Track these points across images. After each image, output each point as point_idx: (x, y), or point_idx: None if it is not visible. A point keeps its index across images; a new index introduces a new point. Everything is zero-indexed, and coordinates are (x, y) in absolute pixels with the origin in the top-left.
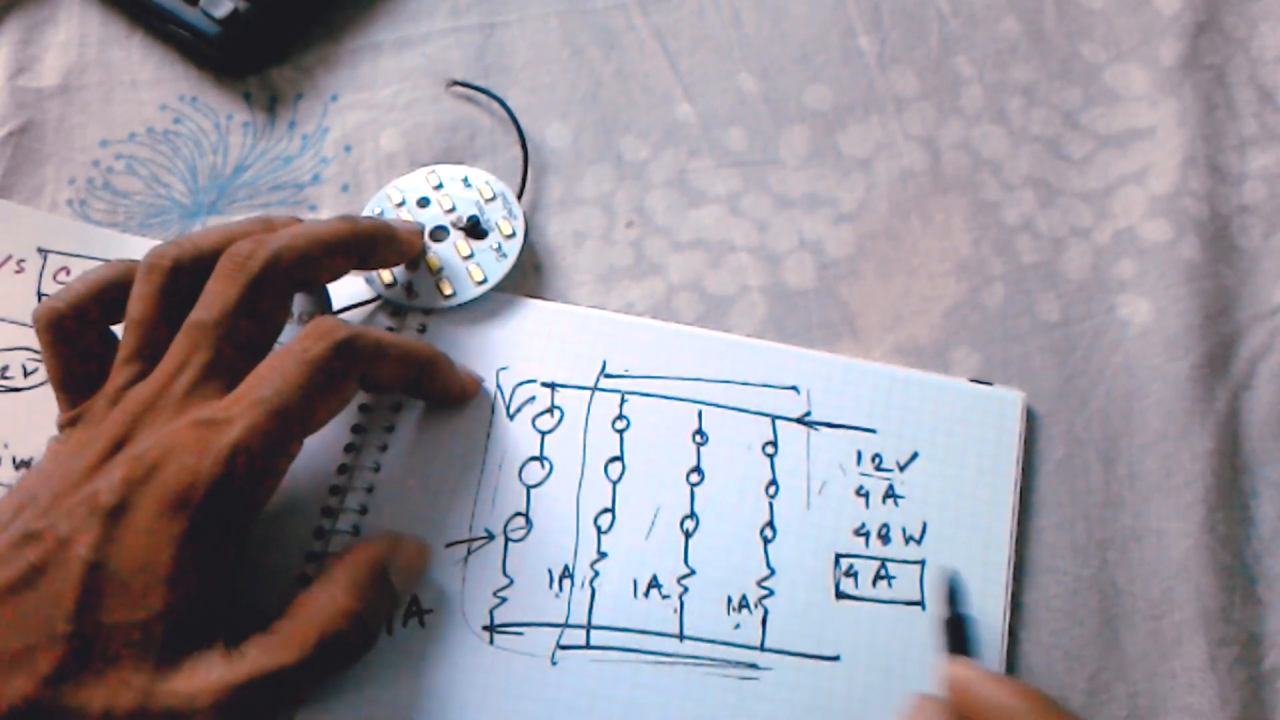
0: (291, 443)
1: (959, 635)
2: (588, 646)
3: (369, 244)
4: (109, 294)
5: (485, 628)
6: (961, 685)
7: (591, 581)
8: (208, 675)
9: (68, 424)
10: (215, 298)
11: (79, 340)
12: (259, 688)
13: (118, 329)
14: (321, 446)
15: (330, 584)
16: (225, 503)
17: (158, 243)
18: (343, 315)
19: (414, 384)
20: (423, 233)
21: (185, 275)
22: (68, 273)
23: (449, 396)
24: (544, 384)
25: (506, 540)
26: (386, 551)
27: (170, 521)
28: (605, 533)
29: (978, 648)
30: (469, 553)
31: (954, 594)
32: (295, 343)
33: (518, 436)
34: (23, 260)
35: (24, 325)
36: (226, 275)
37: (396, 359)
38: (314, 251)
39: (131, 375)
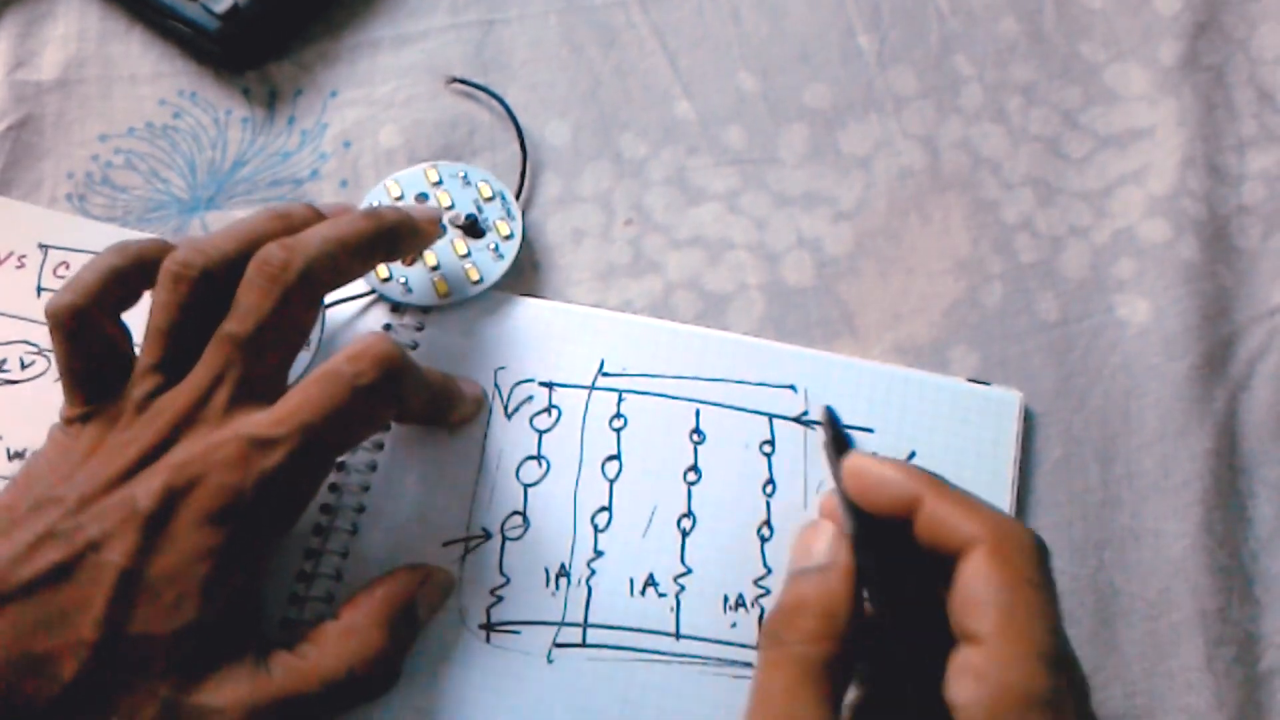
0: (332, 463)
1: (843, 444)
2: (584, 645)
3: (395, 238)
4: (120, 284)
5: (482, 626)
6: (857, 470)
7: (588, 580)
8: (234, 691)
9: (77, 418)
10: (250, 310)
11: (91, 332)
12: (280, 712)
13: (127, 316)
14: None
15: (362, 617)
16: (263, 520)
17: (157, 237)
18: (336, 308)
19: (430, 416)
20: (439, 216)
21: (212, 282)
22: (67, 267)
23: (460, 426)
24: (541, 383)
25: (504, 539)
26: (417, 583)
27: (209, 535)
28: (602, 531)
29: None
30: (466, 551)
31: (835, 420)
32: (347, 363)
33: (515, 435)
34: (23, 255)
35: (24, 319)
36: (261, 287)
37: (427, 395)
38: (346, 256)
39: (156, 384)
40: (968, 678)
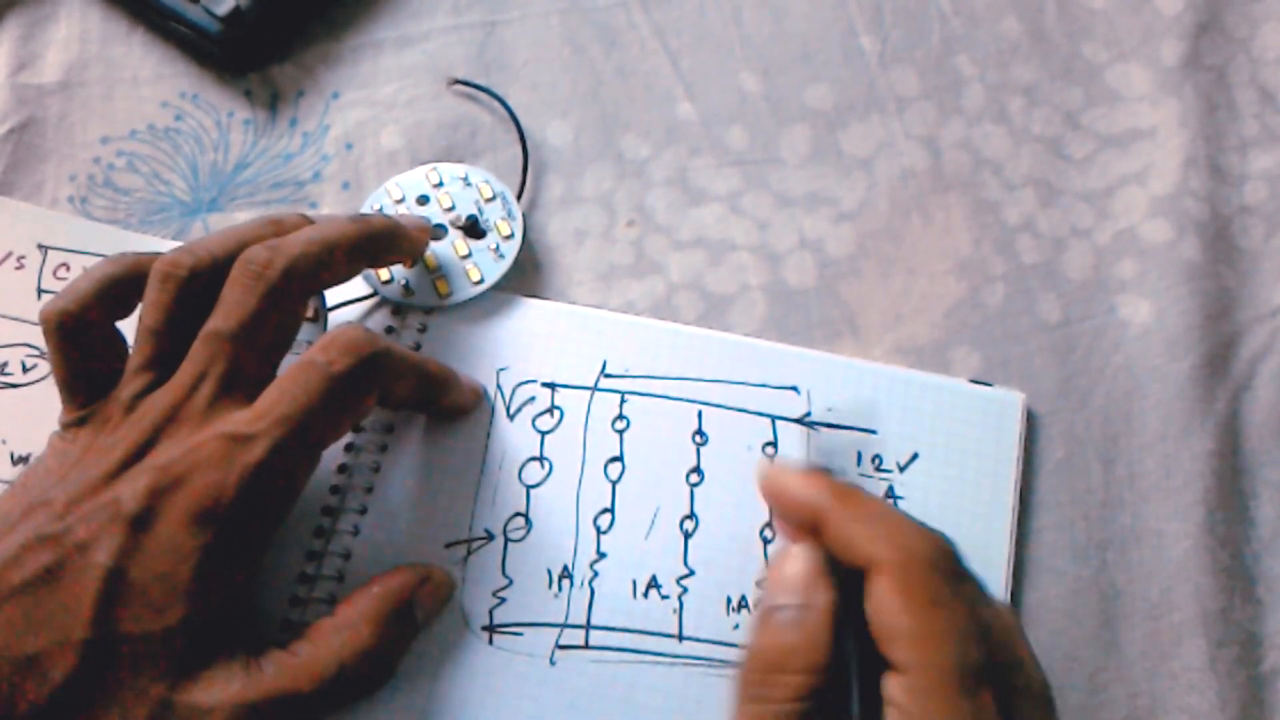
0: (314, 456)
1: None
2: (587, 646)
3: (381, 244)
4: (115, 291)
5: (485, 628)
6: (769, 477)
7: (591, 582)
8: (225, 690)
9: (73, 423)
10: (234, 307)
11: (85, 338)
12: (273, 709)
13: (122, 325)
14: None
15: (355, 614)
16: (248, 517)
17: (158, 240)
18: (339, 311)
19: (424, 401)
20: (430, 228)
21: (200, 283)
22: (68, 269)
23: (456, 413)
24: (544, 384)
25: (506, 540)
26: (415, 583)
27: (194, 534)
28: (605, 533)
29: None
30: (469, 553)
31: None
32: (320, 353)
33: (518, 437)
34: (23, 257)
35: (24, 322)
36: (244, 284)
37: (414, 377)
38: (329, 256)
39: (145, 383)
40: (892, 712)
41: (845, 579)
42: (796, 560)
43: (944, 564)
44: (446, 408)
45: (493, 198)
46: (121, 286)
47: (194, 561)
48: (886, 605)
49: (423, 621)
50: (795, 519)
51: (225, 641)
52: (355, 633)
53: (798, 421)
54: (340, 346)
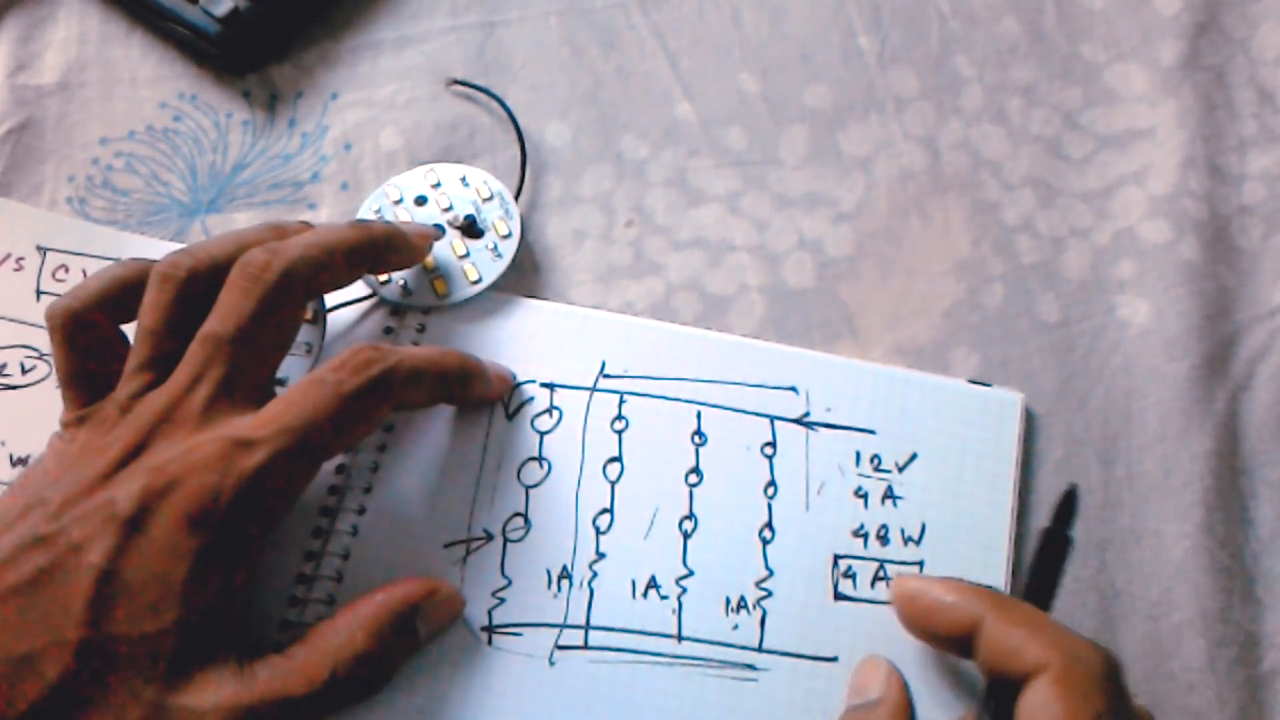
0: (315, 468)
1: (1052, 552)
2: (586, 647)
3: (381, 250)
4: (121, 294)
5: (484, 628)
6: (910, 593)
7: (590, 582)
8: (218, 693)
9: (73, 423)
10: (231, 310)
11: (90, 339)
12: (266, 713)
13: (127, 328)
14: None
15: (354, 619)
16: (244, 521)
17: (157, 241)
18: (337, 312)
19: (445, 399)
20: (433, 235)
21: (199, 285)
22: (66, 270)
23: (482, 402)
24: (543, 384)
25: (505, 541)
26: (420, 596)
27: (188, 536)
28: (604, 533)
29: (1061, 576)
30: (467, 553)
31: (1066, 508)
32: (331, 371)
33: (516, 437)
34: (22, 258)
35: (23, 323)
36: (241, 287)
37: (432, 383)
38: (328, 260)
39: (143, 384)
40: None
41: (994, 690)
42: (874, 666)
43: (1111, 677)
44: (471, 400)
45: (490, 197)
46: (129, 290)
47: (188, 563)
48: (1046, 708)
49: (425, 637)
50: (944, 629)
51: (219, 644)
52: (351, 639)
53: (796, 422)
54: (352, 367)
